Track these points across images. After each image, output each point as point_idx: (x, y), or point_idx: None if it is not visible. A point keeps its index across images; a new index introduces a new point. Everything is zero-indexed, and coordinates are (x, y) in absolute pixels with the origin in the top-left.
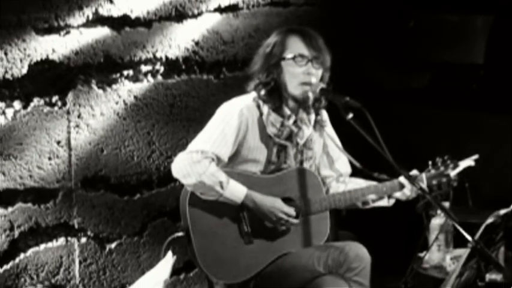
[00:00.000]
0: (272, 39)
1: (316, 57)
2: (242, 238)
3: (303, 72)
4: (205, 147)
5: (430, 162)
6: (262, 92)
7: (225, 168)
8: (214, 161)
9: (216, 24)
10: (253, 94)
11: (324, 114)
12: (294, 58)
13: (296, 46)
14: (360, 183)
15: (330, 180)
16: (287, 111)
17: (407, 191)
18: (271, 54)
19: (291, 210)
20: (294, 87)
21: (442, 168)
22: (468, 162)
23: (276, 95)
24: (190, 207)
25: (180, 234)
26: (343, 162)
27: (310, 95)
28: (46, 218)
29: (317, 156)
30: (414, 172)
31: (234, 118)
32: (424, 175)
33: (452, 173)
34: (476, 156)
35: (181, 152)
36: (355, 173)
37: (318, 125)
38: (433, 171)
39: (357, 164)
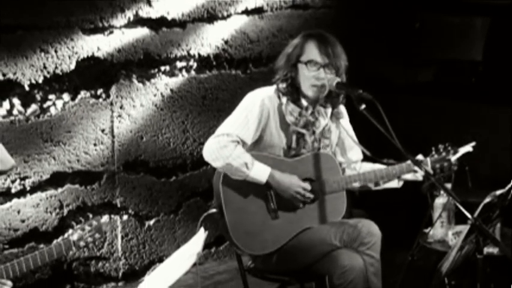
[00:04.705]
0: (295, 40)
1: (329, 64)
2: (269, 214)
3: (314, 76)
4: (230, 130)
5: (433, 148)
6: (282, 86)
7: (252, 152)
8: (240, 144)
9: (243, 25)
10: (276, 86)
11: (342, 108)
12: (306, 63)
13: (311, 52)
14: (371, 167)
15: (344, 167)
16: (304, 103)
17: (419, 175)
18: (291, 55)
19: (307, 185)
20: (306, 88)
21: (443, 154)
22: (467, 148)
23: (293, 89)
24: (223, 187)
25: (213, 210)
26: (356, 151)
27: (321, 96)
28: (92, 198)
29: (333, 144)
30: (419, 157)
31: (256, 106)
32: (428, 159)
33: (453, 158)
34: (474, 143)
35: (210, 137)
36: (367, 159)
37: (334, 117)
38: (436, 156)
39: (368, 153)
